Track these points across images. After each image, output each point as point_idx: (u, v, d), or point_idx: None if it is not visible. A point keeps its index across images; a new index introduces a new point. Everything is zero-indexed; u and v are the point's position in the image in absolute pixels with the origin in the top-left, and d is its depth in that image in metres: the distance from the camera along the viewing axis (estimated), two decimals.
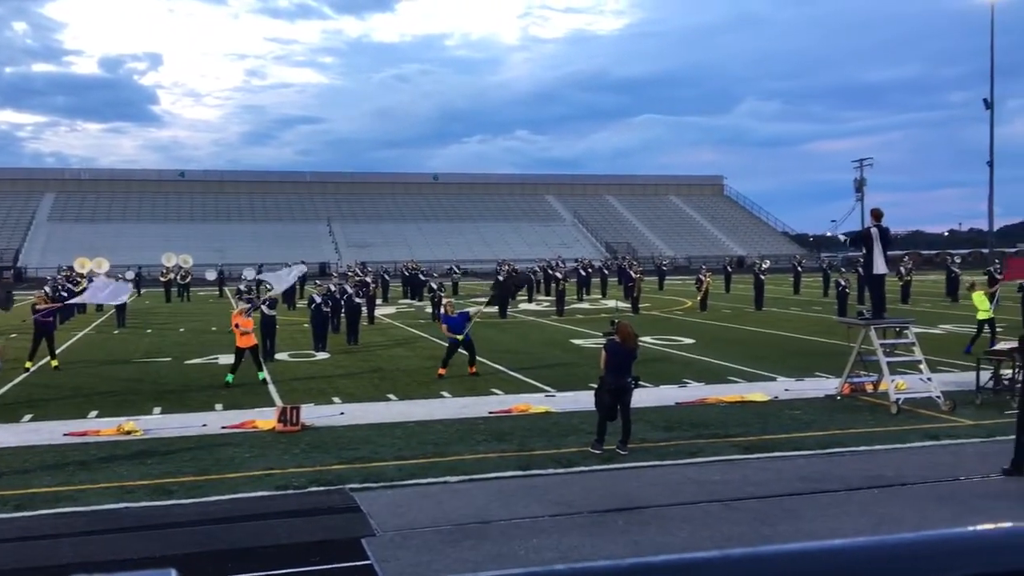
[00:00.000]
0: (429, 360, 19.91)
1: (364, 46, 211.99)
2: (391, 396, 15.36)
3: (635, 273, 33.26)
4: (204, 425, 12.91)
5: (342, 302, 23.98)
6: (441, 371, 17.21)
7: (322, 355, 20.82)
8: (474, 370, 17.31)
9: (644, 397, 13.16)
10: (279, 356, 20.41)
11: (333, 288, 24.03)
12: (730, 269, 44.05)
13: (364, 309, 28.36)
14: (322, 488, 9.64)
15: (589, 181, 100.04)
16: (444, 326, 17.84)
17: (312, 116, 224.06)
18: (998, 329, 20.00)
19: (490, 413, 13.57)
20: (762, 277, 33.48)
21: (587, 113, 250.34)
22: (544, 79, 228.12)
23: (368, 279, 31.91)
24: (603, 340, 11.80)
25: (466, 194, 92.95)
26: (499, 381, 16.69)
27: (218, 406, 14.60)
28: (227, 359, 20.66)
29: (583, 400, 13.62)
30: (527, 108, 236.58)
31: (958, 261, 39.44)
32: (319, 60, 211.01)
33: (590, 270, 41.89)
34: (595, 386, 11.73)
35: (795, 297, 38.43)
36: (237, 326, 17.01)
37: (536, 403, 14.27)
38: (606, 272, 42.58)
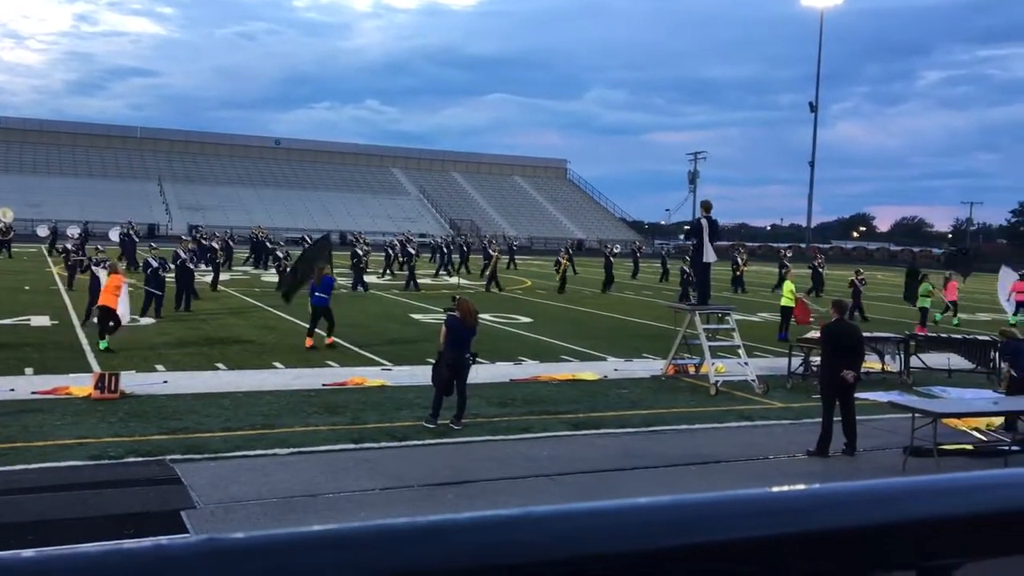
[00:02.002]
0: (263, 329, 19.37)
1: None
2: (220, 365, 14.84)
3: (493, 251, 33.49)
4: (12, 390, 12.04)
5: (170, 266, 22.87)
6: (329, 340, 17.08)
7: (147, 320, 19.82)
8: (332, 340, 17.17)
9: (480, 373, 13.31)
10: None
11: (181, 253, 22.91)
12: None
13: (210, 275, 27.34)
14: (140, 459, 9.21)
15: (436, 157, 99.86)
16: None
17: (147, 69, 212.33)
18: (811, 319, 21.46)
19: (324, 385, 13.36)
20: (611, 259, 34.70)
21: (438, 87, 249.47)
22: (396, 49, 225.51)
23: (215, 244, 30.65)
24: (443, 316, 11.84)
25: (309, 161, 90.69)
26: (335, 354, 16.43)
27: (28, 370, 13.66)
28: (40, 320, 19.39)
29: (420, 375, 13.63)
30: (378, 78, 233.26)
31: (790, 255, 41.75)
32: (157, 10, 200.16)
33: (451, 247, 41.74)
34: (433, 361, 11.76)
35: (632, 282, 39.82)
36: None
37: (372, 377, 14.16)
38: (465, 249, 42.30)
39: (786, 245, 62.65)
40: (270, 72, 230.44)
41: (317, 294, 16.96)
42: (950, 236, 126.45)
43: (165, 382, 13.07)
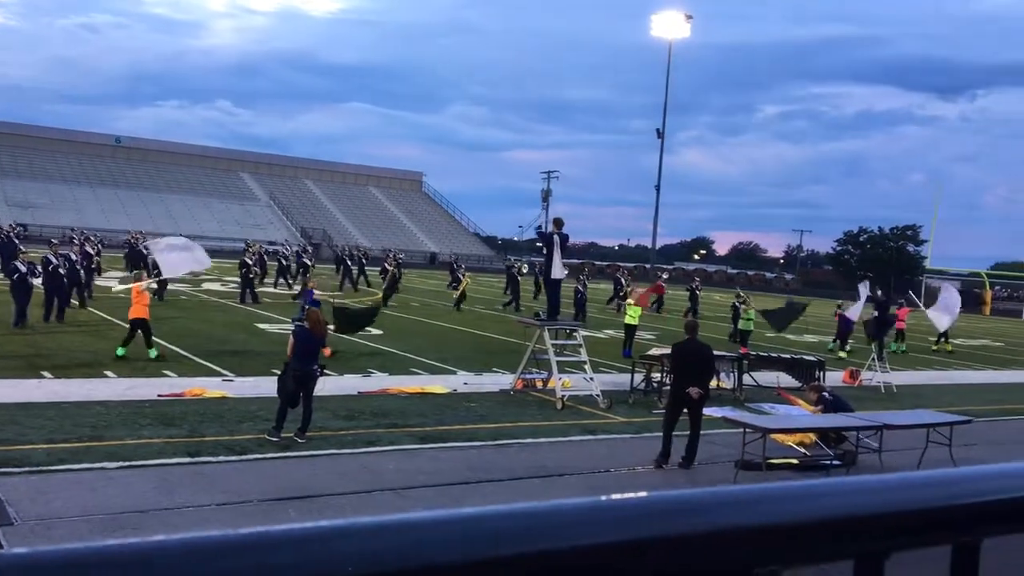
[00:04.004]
0: (92, 336, 18.30)
1: None
2: (45, 374, 13.91)
3: (390, 265, 32.82)
4: None
5: (46, 271, 20.84)
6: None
7: None
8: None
9: (327, 386, 13.05)
10: None
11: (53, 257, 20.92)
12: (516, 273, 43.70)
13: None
14: None
15: (288, 163, 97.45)
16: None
17: None
18: (652, 336, 22.24)
19: (159, 396, 12.74)
20: (518, 277, 34.69)
21: (294, 93, 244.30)
22: (251, 52, 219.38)
23: (90, 249, 28.41)
24: (292, 326, 11.55)
25: (152, 162, 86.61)
26: (173, 363, 15.72)
27: None
28: None
29: (263, 386, 13.22)
30: (230, 79, 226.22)
31: (627, 272, 43.11)
32: None
33: (365, 260, 39.65)
34: (278, 372, 11.43)
35: (482, 296, 40.03)
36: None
37: (212, 387, 13.62)
38: (364, 262, 40.20)
39: (632, 265, 64.79)
40: (115, 67, 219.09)
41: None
42: (782, 261, 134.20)
43: None
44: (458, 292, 32.62)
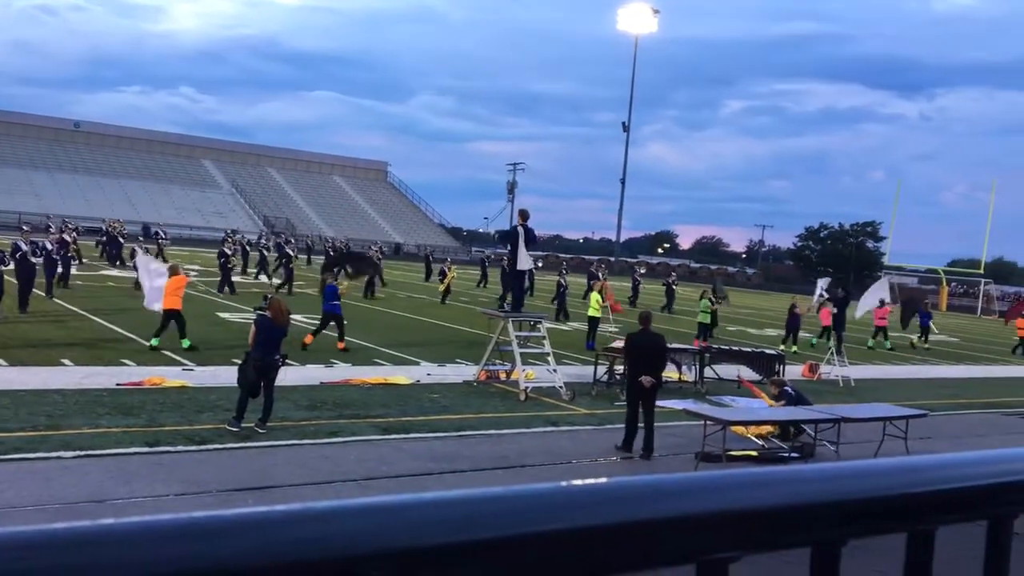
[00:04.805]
0: (52, 324, 17.99)
1: None
2: (1, 361, 13.65)
3: (377, 258, 32.49)
4: None
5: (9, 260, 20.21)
6: (340, 344, 17.72)
7: None
8: (343, 345, 17.72)
9: (289, 376, 12.95)
10: None
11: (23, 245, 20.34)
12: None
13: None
14: None
15: (251, 151, 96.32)
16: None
17: None
18: (614, 329, 22.31)
19: (118, 385, 12.55)
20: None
21: (259, 80, 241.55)
22: (214, 37, 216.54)
23: (67, 237, 27.83)
24: (254, 315, 11.44)
25: (112, 147, 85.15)
26: (132, 352, 15.50)
27: None
28: None
29: (224, 376, 13.08)
30: (194, 65, 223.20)
31: (604, 267, 42.95)
32: None
33: (344, 250, 38.93)
34: (239, 362, 11.32)
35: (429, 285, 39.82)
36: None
37: (172, 377, 13.46)
38: (333, 252, 39.32)
39: (596, 258, 65.03)
40: (74, 51, 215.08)
41: (328, 303, 17.99)
42: (744, 256, 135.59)
43: None
44: (444, 285, 32.38)
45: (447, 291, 32.04)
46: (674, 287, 34.96)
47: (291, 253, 32.08)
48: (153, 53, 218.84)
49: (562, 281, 29.98)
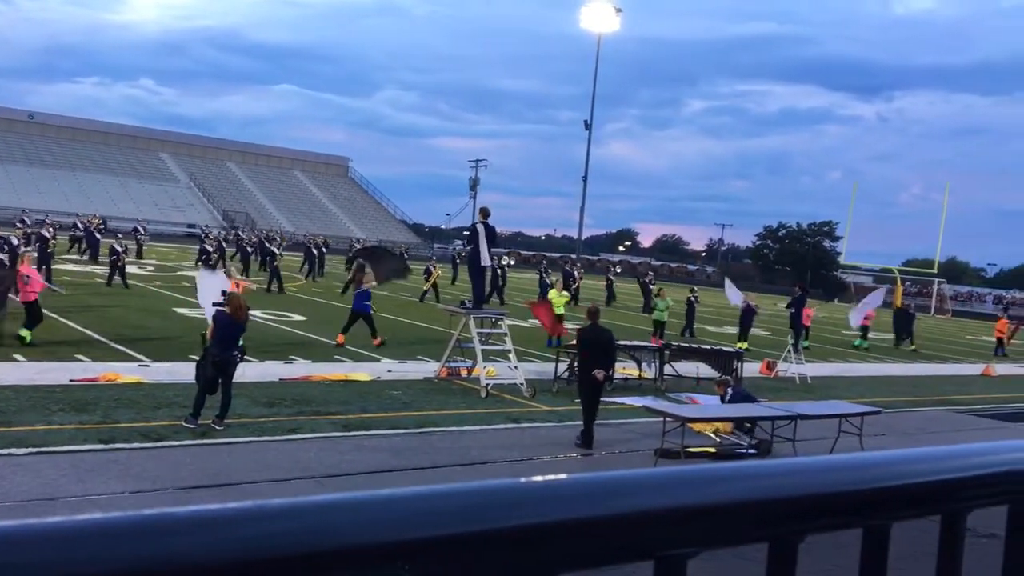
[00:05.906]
0: (9, 322, 17.59)
1: None
2: None
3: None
4: None
5: None
6: (376, 340, 18.14)
7: None
8: (379, 341, 18.16)
9: (248, 372, 12.81)
10: None
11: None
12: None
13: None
14: None
15: (210, 144, 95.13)
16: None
17: None
18: (576, 325, 22.38)
19: (72, 381, 12.33)
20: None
21: (219, 73, 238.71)
22: (174, 28, 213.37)
23: (46, 233, 27.14)
24: (213, 311, 11.31)
25: (67, 140, 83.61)
26: (86, 347, 15.23)
27: None
28: None
29: (180, 372, 12.91)
30: (153, 56, 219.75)
31: (580, 265, 42.94)
32: None
33: (324, 249, 38.35)
34: (196, 358, 11.17)
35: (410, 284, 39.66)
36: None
37: (127, 373, 13.25)
38: (324, 251, 38.41)
39: (558, 256, 65.24)
40: (28, 40, 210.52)
41: (360, 302, 18.40)
42: (704, 254, 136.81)
43: None
44: (428, 284, 31.80)
45: (435, 290, 31.37)
46: (651, 286, 35.15)
47: (276, 252, 31.35)
48: (112, 44, 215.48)
49: (545, 279, 30.50)
